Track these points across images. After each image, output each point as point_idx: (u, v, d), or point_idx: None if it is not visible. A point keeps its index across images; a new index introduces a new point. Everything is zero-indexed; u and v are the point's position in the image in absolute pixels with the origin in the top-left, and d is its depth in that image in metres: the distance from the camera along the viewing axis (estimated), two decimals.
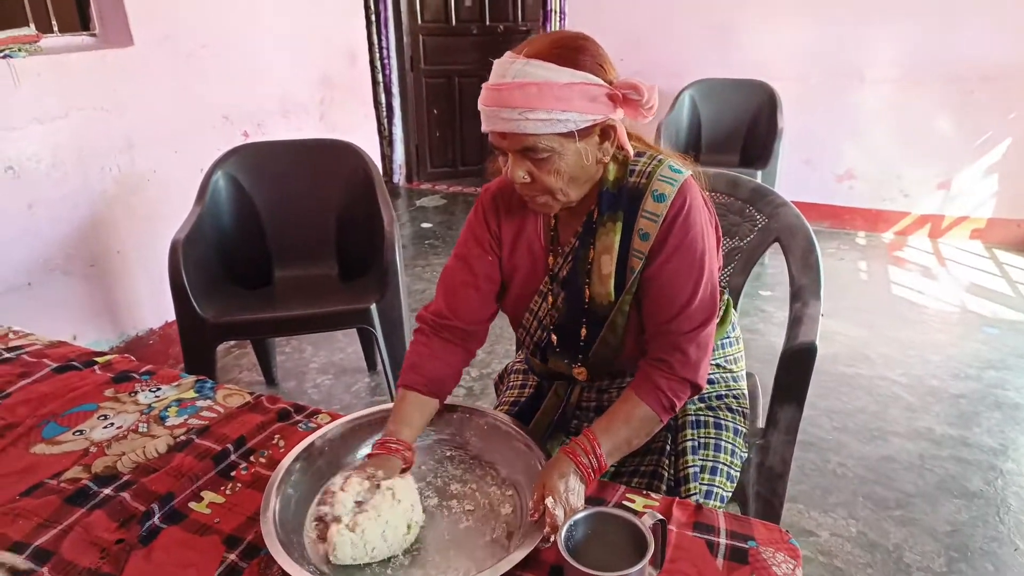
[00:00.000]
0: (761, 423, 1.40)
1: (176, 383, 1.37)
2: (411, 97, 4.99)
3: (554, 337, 1.16)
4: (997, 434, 2.20)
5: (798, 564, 0.93)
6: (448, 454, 1.14)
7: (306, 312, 1.86)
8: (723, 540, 0.95)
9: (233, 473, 1.10)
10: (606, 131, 1.00)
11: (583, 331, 1.13)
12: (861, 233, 4.05)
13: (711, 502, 1.12)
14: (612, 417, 1.02)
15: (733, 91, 3.79)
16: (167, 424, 1.23)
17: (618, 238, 1.05)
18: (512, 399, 1.29)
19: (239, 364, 2.65)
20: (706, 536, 0.96)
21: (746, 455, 1.21)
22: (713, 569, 0.90)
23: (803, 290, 1.42)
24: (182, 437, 1.19)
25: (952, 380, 2.50)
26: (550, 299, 1.14)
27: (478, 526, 0.99)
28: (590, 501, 0.98)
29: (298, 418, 1.26)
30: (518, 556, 0.87)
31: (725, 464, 1.15)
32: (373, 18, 4.24)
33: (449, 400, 1.18)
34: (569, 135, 0.95)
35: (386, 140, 4.73)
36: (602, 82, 0.95)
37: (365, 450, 1.13)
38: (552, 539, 0.88)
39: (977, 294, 3.26)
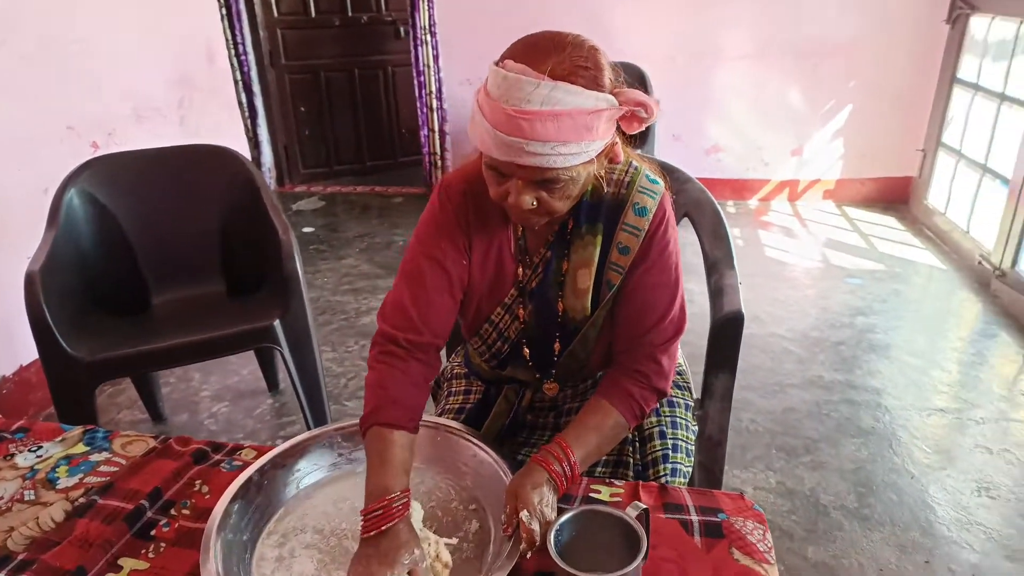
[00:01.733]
0: (695, 394, 1.43)
1: (60, 438, 1.19)
2: (274, 95, 4.71)
3: (527, 351, 1.10)
4: (876, 374, 2.42)
5: (766, 528, 0.95)
6: None
7: (201, 337, 1.68)
8: (694, 517, 0.95)
9: (153, 532, 0.97)
10: (611, 147, 0.94)
11: (557, 345, 1.09)
12: (730, 202, 4.31)
13: (676, 479, 1.12)
14: (583, 425, 0.99)
15: None
16: (59, 487, 1.06)
17: (597, 252, 1.01)
18: (457, 405, 1.23)
19: (116, 403, 2.38)
20: (678, 516, 0.95)
21: (697, 428, 1.23)
22: (693, 548, 0.90)
23: (718, 262, 1.47)
24: (81, 500, 1.03)
25: (830, 330, 2.72)
26: (519, 311, 1.08)
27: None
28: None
29: (218, 457, 1.13)
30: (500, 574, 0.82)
31: (683, 440, 1.16)
32: (225, 12, 3.94)
33: None
34: (589, 162, 0.89)
35: (251, 141, 4.43)
36: (618, 104, 0.87)
37: (310, 478, 1.04)
38: (529, 554, 0.84)
39: (836, 249, 3.57)
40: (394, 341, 1.00)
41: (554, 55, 0.83)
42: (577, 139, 0.84)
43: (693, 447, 1.21)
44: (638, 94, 0.89)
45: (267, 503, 0.99)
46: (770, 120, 4.12)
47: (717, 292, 1.40)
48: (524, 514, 0.84)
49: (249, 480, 0.98)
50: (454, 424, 1.08)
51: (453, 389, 1.27)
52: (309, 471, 1.05)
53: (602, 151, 0.91)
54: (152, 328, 1.86)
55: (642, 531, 0.78)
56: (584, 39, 0.88)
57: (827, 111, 4.05)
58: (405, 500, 0.88)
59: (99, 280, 1.91)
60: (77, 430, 1.21)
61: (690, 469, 1.18)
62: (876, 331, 2.72)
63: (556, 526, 0.81)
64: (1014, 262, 2.88)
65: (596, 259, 1.02)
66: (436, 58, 4.12)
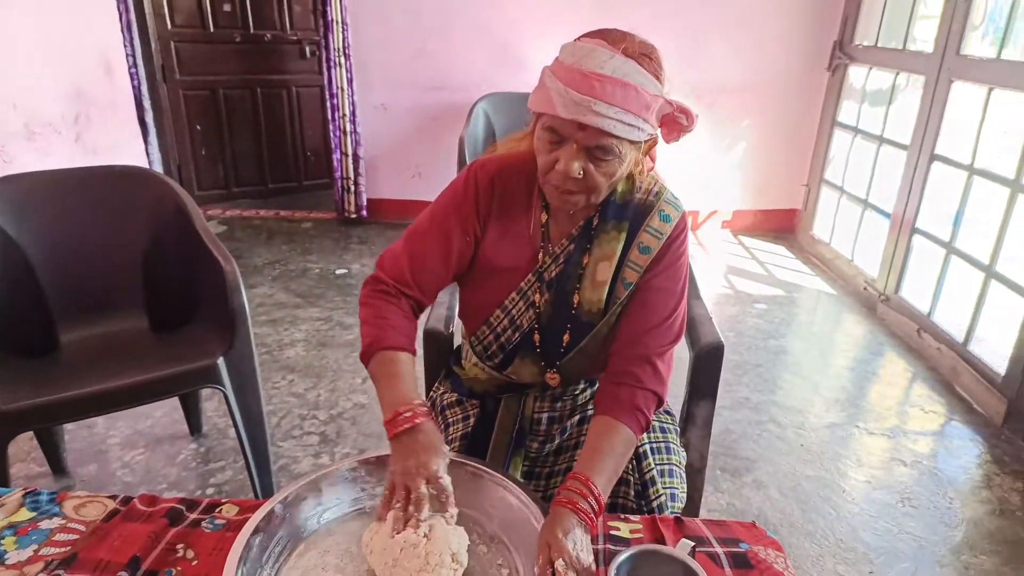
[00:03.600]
0: None
1: None
2: (167, 111, 4.40)
3: (537, 337, 1.12)
4: (794, 394, 2.59)
5: (785, 555, 0.98)
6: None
7: (138, 379, 1.51)
8: (718, 549, 0.97)
9: None
10: (651, 145, 1.03)
11: (566, 337, 1.11)
12: None
13: (675, 504, 1.14)
14: (596, 452, 0.98)
15: (520, 104, 3.88)
16: (9, 562, 0.92)
17: (620, 247, 1.06)
18: (460, 433, 1.19)
19: None
20: (702, 549, 0.97)
21: (685, 455, 1.26)
22: None
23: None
24: (43, 575, 0.89)
25: (749, 352, 2.89)
26: (535, 298, 1.10)
27: None
28: None
29: (195, 516, 1.02)
30: None
31: (676, 465, 1.19)
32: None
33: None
34: (636, 144, 0.96)
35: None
36: (669, 100, 0.96)
37: (331, 512, 0.97)
38: None
39: (739, 275, 3.81)
40: (384, 283, 1.09)
41: (627, 40, 0.94)
42: (637, 112, 0.92)
43: (684, 473, 1.23)
44: (684, 103, 0.98)
45: (288, 537, 0.92)
46: (674, 154, 4.33)
47: (690, 323, 1.45)
48: (560, 563, 0.82)
49: (271, 513, 0.91)
50: (480, 464, 1.04)
51: (450, 420, 1.23)
52: (331, 505, 0.98)
53: (647, 141, 0.99)
54: (71, 370, 1.65)
55: (702, 571, 0.78)
56: (650, 41, 0.98)
57: (724, 147, 4.35)
58: (427, 408, 0.97)
59: (3, 319, 1.68)
60: (16, 493, 1.05)
61: (684, 494, 1.20)
62: (788, 352, 2.92)
63: (614, 567, 0.79)
64: (897, 288, 3.20)
65: (618, 253, 1.07)
66: (350, 81, 4.02)
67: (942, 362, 2.77)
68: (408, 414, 0.94)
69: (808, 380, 2.70)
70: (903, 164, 3.18)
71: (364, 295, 1.10)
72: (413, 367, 1.03)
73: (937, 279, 2.89)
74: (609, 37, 0.94)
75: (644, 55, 0.94)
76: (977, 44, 2.86)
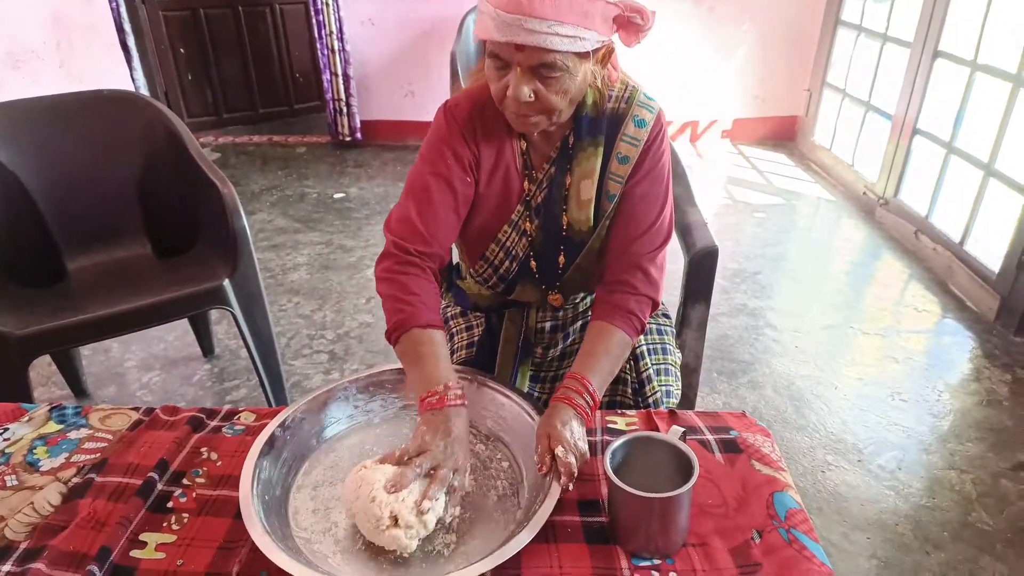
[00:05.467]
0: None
1: (26, 418, 1.09)
2: (148, 35, 4.26)
3: (533, 264, 1.13)
4: (790, 299, 2.63)
5: (773, 440, 1.04)
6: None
7: (149, 301, 1.55)
8: (709, 437, 1.02)
9: (170, 504, 0.92)
10: (606, 53, 0.98)
11: (561, 258, 1.12)
12: None
13: (670, 400, 1.20)
14: (591, 353, 1.01)
15: None
16: (43, 469, 0.98)
17: (599, 162, 1.05)
18: (466, 342, 1.23)
19: None
20: (694, 437, 1.02)
21: (681, 355, 1.31)
22: (717, 465, 0.97)
23: (679, 199, 1.52)
24: (76, 480, 0.95)
25: (747, 261, 2.92)
26: (526, 226, 1.10)
27: (479, 487, 0.95)
28: None
29: (215, 423, 1.08)
30: (547, 509, 0.84)
31: (672, 365, 1.24)
32: None
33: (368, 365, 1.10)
34: (584, 55, 0.92)
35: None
36: (615, 1, 0.91)
37: (329, 431, 1.03)
38: (570, 486, 0.87)
39: (739, 185, 3.79)
40: (406, 251, 1.02)
41: None
42: (574, 22, 0.87)
43: (679, 372, 1.28)
44: (634, 1, 0.93)
45: (292, 458, 0.98)
46: (672, 62, 4.23)
47: (685, 229, 1.47)
48: (559, 450, 0.87)
49: (272, 436, 0.96)
50: (469, 371, 1.08)
51: (454, 330, 1.27)
52: (328, 425, 1.04)
53: (599, 50, 0.95)
54: (82, 296, 1.69)
55: (692, 453, 0.83)
56: None
57: (724, 54, 4.22)
58: (460, 392, 0.93)
59: (5, 248, 1.71)
60: (42, 408, 1.11)
61: (679, 392, 1.26)
62: (787, 259, 2.94)
63: (609, 452, 0.84)
64: (896, 191, 3.19)
65: (598, 169, 1.06)
66: None
67: (938, 262, 2.80)
68: (441, 396, 0.91)
69: (805, 285, 2.74)
70: (906, 63, 3.10)
71: (385, 268, 1.03)
72: (446, 345, 0.99)
73: (936, 180, 2.88)
74: None
75: None
76: None
